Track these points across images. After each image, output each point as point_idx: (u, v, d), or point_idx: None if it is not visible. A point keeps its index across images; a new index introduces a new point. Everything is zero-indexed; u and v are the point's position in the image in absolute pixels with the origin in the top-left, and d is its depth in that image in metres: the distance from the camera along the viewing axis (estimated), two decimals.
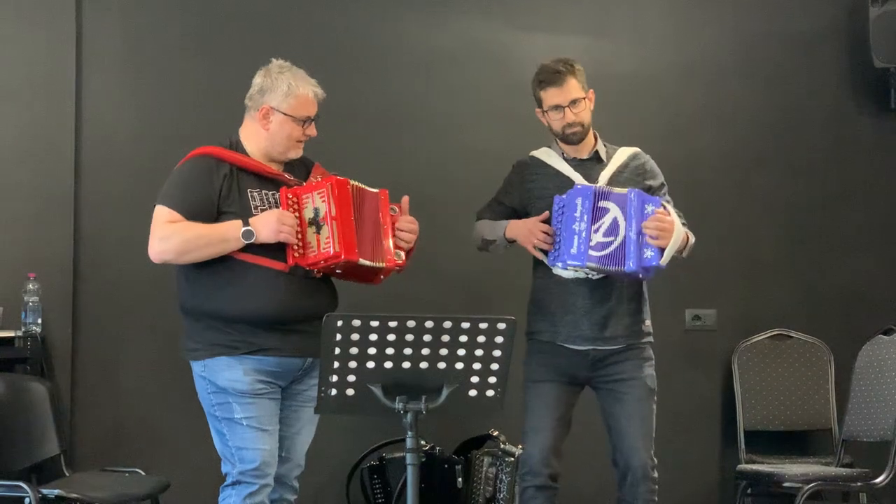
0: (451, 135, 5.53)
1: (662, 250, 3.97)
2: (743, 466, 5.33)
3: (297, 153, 3.83)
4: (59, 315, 5.03)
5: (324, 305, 3.76)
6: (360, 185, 3.82)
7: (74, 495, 4.27)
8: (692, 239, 4.14)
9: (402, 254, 3.88)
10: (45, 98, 5.13)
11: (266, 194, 3.74)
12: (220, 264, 3.65)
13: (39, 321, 4.87)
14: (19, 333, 4.81)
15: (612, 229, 3.99)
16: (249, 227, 3.61)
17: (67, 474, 4.62)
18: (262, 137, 3.79)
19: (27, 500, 4.10)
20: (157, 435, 5.12)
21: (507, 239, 4.19)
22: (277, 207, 3.71)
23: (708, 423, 5.65)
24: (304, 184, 3.81)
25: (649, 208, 3.99)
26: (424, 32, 5.57)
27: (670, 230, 3.97)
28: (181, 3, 5.34)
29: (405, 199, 3.95)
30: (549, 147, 4.29)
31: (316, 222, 3.68)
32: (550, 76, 4.13)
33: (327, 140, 5.12)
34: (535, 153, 4.30)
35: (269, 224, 3.62)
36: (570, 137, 4.17)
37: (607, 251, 3.98)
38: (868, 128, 5.84)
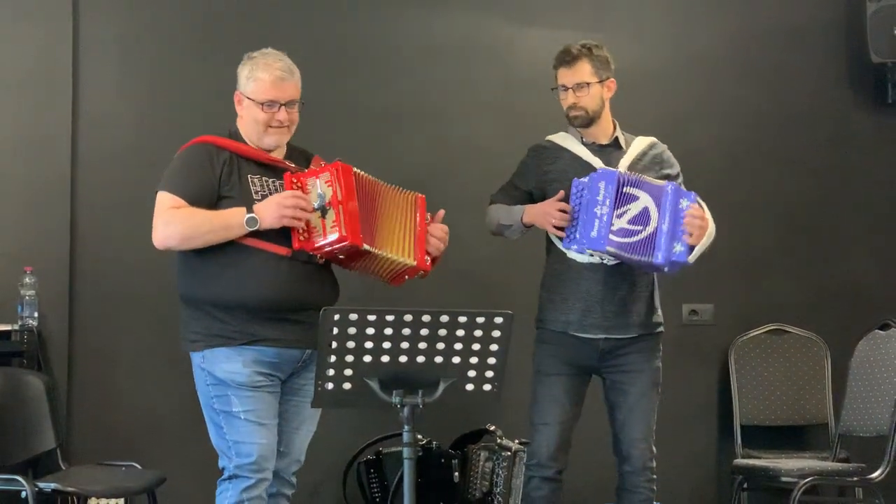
0: (450, 130, 5.52)
1: (691, 247, 3.97)
2: (739, 461, 5.34)
3: (273, 140, 3.79)
4: (56, 308, 5.03)
5: (324, 293, 3.76)
6: (373, 178, 3.82)
7: (71, 489, 4.28)
8: (714, 230, 4.13)
9: (429, 259, 3.87)
10: (41, 91, 5.13)
11: (267, 181, 3.74)
12: (221, 249, 3.64)
13: (36, 314, 4.86)
14: (16, 327, 4.81)
15: (642, 218, 3.98)
16: (253, 215, 3.60)
17: (64, 468, 4.62)
18: (242, 124, 3.81)
19: (23, 493, 4.11)
20: (154, 429, 5.12)
21: (525, 223, 4.18)
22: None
23: (704, 418, 5.65)
24: (307, 170, 3.80)
25: (684, 203, 3.98)
26: (423, 28, 5.57)
27: (705, 228, 3.99)
28: None
29: (441, 211, 3.95)
30: (567, 132, 4.29)
31: (322, 207, 3.66)
32: (563, 56, 4.20)
33: (327, 135, 5.14)
34: (553, 137, 4.30)
35: (271, 209, 3.61)
36: (572, 120, 4.21)
37: (633, 239, 3.96)
38: (865, 123, 5.85)
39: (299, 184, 3.71)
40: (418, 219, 3.88)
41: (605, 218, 3.95)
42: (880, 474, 4.83)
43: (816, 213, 5.80)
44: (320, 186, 3.68)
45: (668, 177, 4.20)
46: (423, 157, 5.46)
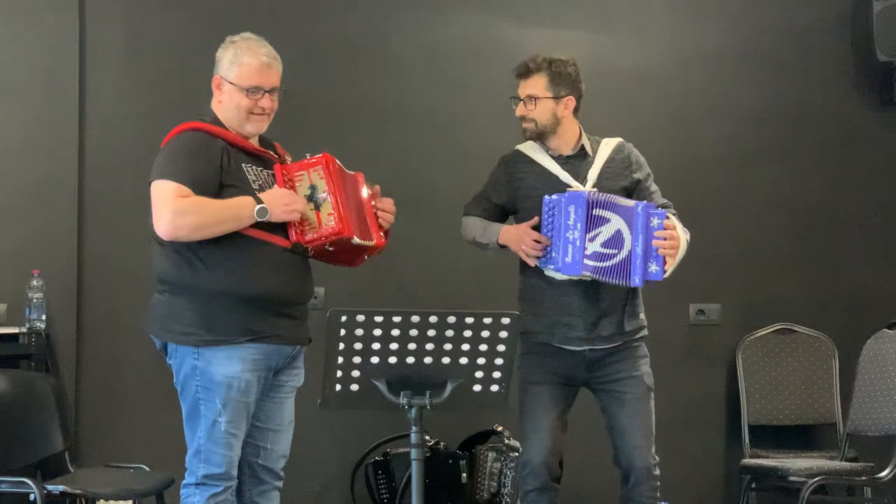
0: (452, 130, 5.53)
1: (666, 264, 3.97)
2: (747, 461, 5.33)
3: (254, 127, 3.71)
4: (64, 311, 5.04)
5: (311, 288, 3.77)
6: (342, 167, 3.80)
7: (79, 491, 4.28)
8: (687, 236, 4.11)
9: (383, 234, 3.85)
10: (48, 95, 5.14)
11: (259, 171, 3.69)
12: (227, 240, 3.56)
13: (44, 317, 4.88)
14: (24, 330, 4.83)
15: (615, 242, 3.95)
16: (264, 205, 3.54)
17: (72, 470, 4.62)
18: (221, 109, 3.72)
19: (32, 495, 4.10)
20: (162, 431, 5.10)
21: (500, 245, 4.16)
22: (273, 184, 3.67)
23: (712, 418, 5.64)
24: (290, 161, 3.76)
25: (655, 222, 3.95)
26: (426, 27, 5.57)
27: (677, 248, 3.98)
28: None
29: (377, 187, 3.90)
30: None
31: (314, 199, 3.64)
32: (519, 68, 4.18)
33: (327, 134, 5.16)
34: (521, 147, 4.25)
35: (280, 202, 3.57)
36: (523, 132, 4.18)
37: (608, 263, 3.95)
38: (871, 122, 5.83)
39: (289, 176, 3.68)
40: (367, 196, 3.84)
41: (577, 243, 3.93)
42: (889, 473, 4.82)
43: (823, 211, 5.78)
44: (314, 179, 3.66)
45: (637, 181, 4.15)
46: (426, 158, 5.47)
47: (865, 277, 5.75)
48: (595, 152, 4.18)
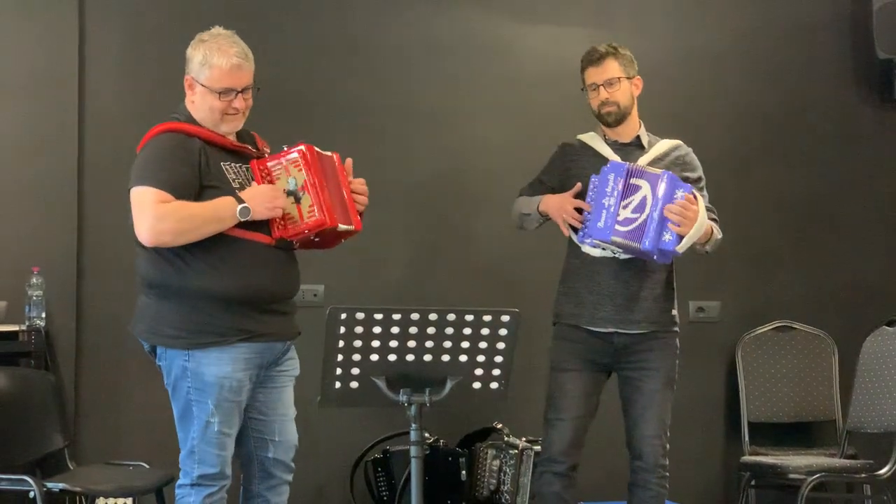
0: (456, 128, 5.51)
1: (682, 237, 3.98)
2: (747, 458, 5.33)
3: (229, 126, 3.68)
4: (63, 309, 5.03)
5: (298, 281, 3.76)
6: (325, 152, 3.77)
7: (78, 489, 4.28)
8: (718, 234, 4.16)
9: (359, 217, 3.84)
10: (48, 92, 5.13)
11: (238, 168, 3.68)
12: (211, 241, 3.53)
13: (43, 315, 4.87)
14: (23, 327, 4.82)
15: (640, 206, 4.00)
16: (246, 205, 3.53)
17: (71, 468, 4.62)
18: (194, 109, 3.68)
19: (32, 493, 4.10)
20: (161, 428, 5.08)
21: (541, 213, 4.21)
22: (252, 180, 3.66)
23: (712, 415, 5.65)
24: (267, 155, 3.74)
25: (679, 193, 4.00)
26: (425, 24, 5.56)
27: (693, 219, 3.98)
28: None
29: (349, 161, 3.86)
30: (595, 131, 4.33)
31: (294, 192, 3.61)
32: (590, 55, 4.25)
33: (326, 131, 5.15)
34: (582, 136, 4.35)
35: (262, 200, 3.56)
36: (604, 117, 4.24)
37: (630, 227, 3.99)
38: (871, 119, 5.84)
39: (266, 170, 3.66)
40: (344, 178, 3.81)
41: (612, 209, 4.00)
42: (888, 471, 4.82)
43: (823, 209, 5.79)
44: (292, 171, 3.64)
45: (686, 180, 4.19)
46: (425, 155, 5.46)
47: (865, 274, 5.75)
48: (651, 146, 4.27)
